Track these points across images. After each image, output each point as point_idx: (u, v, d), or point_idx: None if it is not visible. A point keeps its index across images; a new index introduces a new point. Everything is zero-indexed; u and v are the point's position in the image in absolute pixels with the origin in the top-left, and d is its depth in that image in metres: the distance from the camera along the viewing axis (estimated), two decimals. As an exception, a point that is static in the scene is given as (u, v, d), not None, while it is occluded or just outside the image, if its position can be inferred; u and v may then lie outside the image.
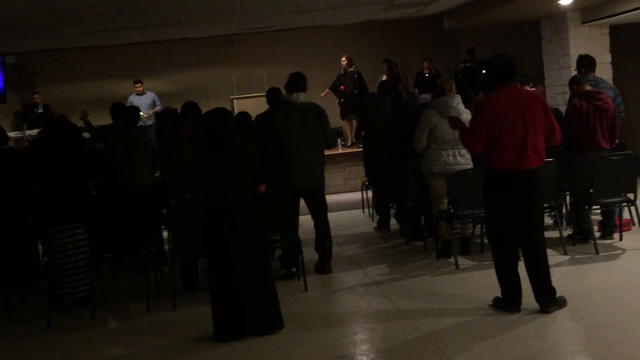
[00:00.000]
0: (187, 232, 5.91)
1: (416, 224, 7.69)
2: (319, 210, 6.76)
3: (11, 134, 12.75)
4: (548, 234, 6.42)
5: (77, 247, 6.04)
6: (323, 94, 12.70)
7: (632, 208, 6.76)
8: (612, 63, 11.06)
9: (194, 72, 14.87)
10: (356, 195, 10.76)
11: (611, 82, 10.01)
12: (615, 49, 11.28)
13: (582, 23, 11.01)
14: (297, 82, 6.64)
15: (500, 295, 5.12)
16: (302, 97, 6.57)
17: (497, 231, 5.09)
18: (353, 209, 10.37)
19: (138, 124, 12.11)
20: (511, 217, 4.93)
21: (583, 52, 10.28)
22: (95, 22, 10.05)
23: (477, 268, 6.44)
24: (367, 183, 9.59)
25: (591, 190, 6.58)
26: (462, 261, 6.61)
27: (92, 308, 5.89)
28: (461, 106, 6.75)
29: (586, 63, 7.50)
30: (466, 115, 6.70)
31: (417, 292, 5.86)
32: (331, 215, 9.39)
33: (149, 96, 13.27)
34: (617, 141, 7.16)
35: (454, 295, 5.65)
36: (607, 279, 5.75)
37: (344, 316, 5.42)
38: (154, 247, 6.73)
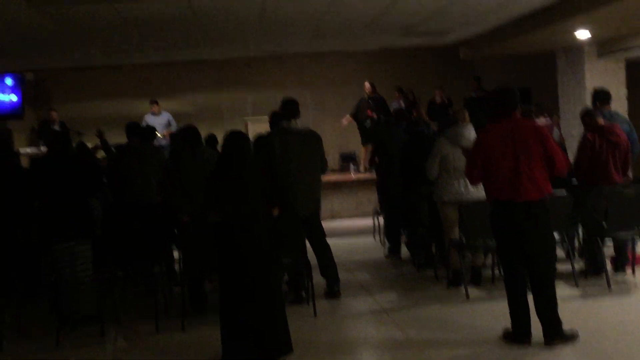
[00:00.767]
0: (199, 252, 5.91)
1: (427, 251, 7.67)
2: (318, 235, 6.76)
3: (27, 150, 12.93)
4: (560, 267, 6.39)
5: (80, 264, 6.02)
6: (345, 122, 12.73)
7: (646, 243, 6.72)
8: (627, 97, 11.06)
9: (210, 93, 15.00)
10: (368, 221, 10.73)
11: (626, 115, 10.02)
12: (631, 83, 11.28)
13: (599, 56, 11.04)
14: (291, 108, 6.68)
15: (510, 327, 5.08)
16: (298, 123, 6.66)
17: (505, 260, 5.17)
18: (364, 235, 10.35)
19: (153, 144, 12.28)
20: (514, 247, 4.98)
21: (599, 85, 10.31)
22: (116, 42, 10.19)
23: (487, 298, 6.40)
24: (378, 209, 9.58)
25: (604, 224, 6.55)
26: (473, 291, 6.57)
27: (101, 326, 5.89)
28: (473, 135, 6.75)
29: (601, 97, 7.49)
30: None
31: (427, 321, 5.82)
32: (342, 241, 9.47)
33: (165, 116, 13.35)
34: (630, 175, 7.14)
35: (463, 325, 5.61)
36: (619, 315, 5.69)
37: (353, 344, 5.39)
38: (165, 266, 6.74)
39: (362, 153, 13.07)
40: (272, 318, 4.97)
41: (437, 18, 9.74)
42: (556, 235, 5.90)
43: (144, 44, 10.59)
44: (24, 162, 13.06)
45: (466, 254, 6.82)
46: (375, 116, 11.95)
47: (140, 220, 6.31)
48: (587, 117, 7.02)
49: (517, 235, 4.95)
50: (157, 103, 13.30)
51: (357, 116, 12.67)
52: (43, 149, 12.34)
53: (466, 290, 6.47)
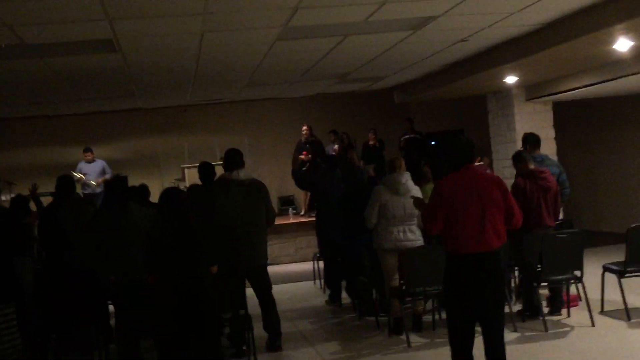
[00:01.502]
0: (133, 311, 5.76)
1: (368, 299, 7.69)
2: (264, 289, 6.67)
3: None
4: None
5: (6, 328, 5.78)
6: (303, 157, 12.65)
7: (579, 285, 6.89)
8: (555, 138, 11.44)
9: (146, 139, 14.82)
10: (307, 266, 10.73)
11: (556, 157, 10.36)
12: (559, 125, 11.69)
13: (527, 100, 11.42)
14: (234, 158, 6.54)
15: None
16: (242, 174, 6.50)
17: (458, 314, 4.88)
18: (304, 280, 10.31)
19: (85, 192, 11.96)
20: (471, 304, 4.77)
21: (528, 127, 10.68)
22: (47, 94, 10.00)
23: (429, 346, 6.45)
24: (318, 254, 9.58)
25: (539, 267, 6.71)
26: (414, 338, 6.60)
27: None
28: (410, 183, 6.87)
29: (531, 141, 7.73)
30: (415, 192, 6.82)
31: (370, 372, 5.82)
32: (282, 287, 9.40)
33: (99, 164, 13.10)
34: (560, 217, 7.34)
35: (406, 375, 5.62)
36: (556, 357, 5.81)
37: (296, 399, 5.32)
38: (101, 324, 6.55)
39: (302, 196, 13.10)
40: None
41: (370, 66, 9.92)
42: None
43: (76, 96, 10.43)
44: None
45: (407, 300, 6.87)
46: (307, 158, 12.01)
47: (74, 280, 6.11)
48: (518, 163, 7.20)
49: (479, 286, 4.73)
50: (91, 151, 13.05)
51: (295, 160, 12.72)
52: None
53: (407, 338, 6.50)
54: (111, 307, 7.12)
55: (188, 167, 13.12)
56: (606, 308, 7.11)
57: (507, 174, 11.43)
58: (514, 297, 7.53)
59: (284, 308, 8.08)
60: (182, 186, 11.10)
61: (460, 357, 4.91)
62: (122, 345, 6.01)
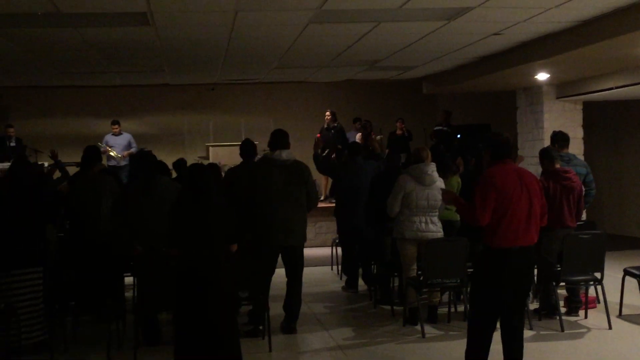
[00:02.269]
0: (154, 283, 5.82)
1: (385, 287, 7.69)
2: (296, 270, 6.73)
3: (-20, 166, 12.64)
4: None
5: (31, 292, 5.87)
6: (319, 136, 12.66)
7: (599, 287, 6.83)
8: (583, 138, 11.33)
9: (172, 115, 14.91)
10: (326, 251, 10.73)
11: (582, 157, 10.25)
12: (588, 125, 11.56)
13: (557, 98, 11.30)
14: (280, 139, 6.60)
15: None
16: (285, 154, 6.53)
17: (488, 306, 4.83)
18: (322, 265, 10.33)
19: (106, 164, 12.03)
20: (505, 298, 4.77)
21: (556, 125, 10.56)
22: (78, 64, 10.09)
23: (443, 338, 6.43)
24: (337, 240, 9.58)
25: (558, 267, 6.66)
26: (429, 329, 6.59)
27: (51, 355, 5.75)
28: (436, 174, 6.84)
29: (560, 139, 7.65)
30: (439, 184, 6.79)
31: (382, 359, 5.82)
32: (300, 271, 9.40)
33: (125, 137, 13.21)
34: (583, 218, 7.26)
35: (418, 365, 5.62)
36: (571, 357, 5.77)
37: (308, 381, 5.35)
38: (115, 295, 6.61)
39: (322, 181, 13.09)
40: (227, 355, 4.92)
41: (401, 55, 9.88)
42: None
43: (107, 68, 10.50)
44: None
45: (423, 291, 6.85)
46: (320, 142, 12.02)
47: (94, 252, 6.18)
48: (545, 159, 7.14)
49: (517, 280, 4.75)
50: (118, 124, 13.16)
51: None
52: (-1, 165, 12.10)
53: (422, 329, 6.50)
54: (130, 279, 7.26)
55: (212, 146, 13.18)
56: (624, 312, 7.05)
57: (532, 171, 11.34)
58: (531, 295, 7.48)
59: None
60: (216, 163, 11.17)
61: (478, 351, 4.91)
62: (141, 316, 6.07)
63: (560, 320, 6.61)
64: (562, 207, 6.84)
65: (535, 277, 7.50)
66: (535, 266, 7.23)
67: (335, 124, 12.66)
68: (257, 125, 13.91)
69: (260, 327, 6.47)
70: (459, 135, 14.10)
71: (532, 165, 11.45)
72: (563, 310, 6.99)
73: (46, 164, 8.71)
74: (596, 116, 12.30)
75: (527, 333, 6.41)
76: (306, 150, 13.38)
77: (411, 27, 7.77)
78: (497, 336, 4.88)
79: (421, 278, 6.62)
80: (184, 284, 4.90)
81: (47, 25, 7.12)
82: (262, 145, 8.74)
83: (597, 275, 6.80)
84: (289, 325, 6.66)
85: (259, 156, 7.84)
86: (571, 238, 6.70)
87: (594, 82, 10.28)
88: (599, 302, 7.17)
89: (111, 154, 12.75)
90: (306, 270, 9.71)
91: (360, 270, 8.58)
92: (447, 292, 7.23)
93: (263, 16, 7.01)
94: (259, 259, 6.28)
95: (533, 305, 7.17)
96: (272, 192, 6.43)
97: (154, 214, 5.95)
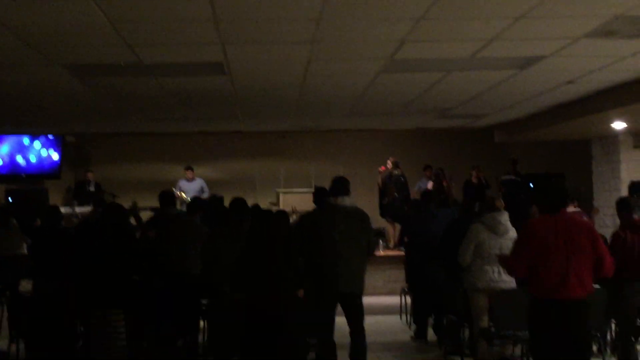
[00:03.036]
0: (226, 327, 5.89)
1: (456, 338, 7.54)
2: (357, 317, 6.66)
3: (61, 209, 13.12)
4: (592, 363, 6.23)
5: (112, 334, 6.03)
6: (383, 169, 12.73)
7: (681, 344, 6.54)
8: (662, 189, 10.96)
9: (243, 162, 15.17)
10: (394, 300, 10.61)
11: (661, 208, 9.90)
12: (667, 175, 11.20)
13: (634, 147, 11.01)
14: (341, 185, 6.66)
15: None
16: (347, 200, 6.61)
17: (541, 357, 4.92)
18: (391, 314, 10.21)
19: (180, 209, 12.33)
20: (553, 345, 4.74)
21: (634, 175, 10.28)
22: (156, 112, 10.45)
23: (515, 392, 6.26)
24: (406, 289, 9.49)
25: (639, 322, 6.41)
26: (500, 383, 6.42)
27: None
28: (509, 223, 6.73)
29: (638, 189, 7.46)
30: (512, 234, 6.68)
31: (453, 412, 5.70)
32: (368, 319, 9.24)
33: (198, 182, 13.52)
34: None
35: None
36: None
37: None
38: (189, 338, 6.71)
39: (390, 229, 13.05)
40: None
41: (472, 103, 9.85)
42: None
43: (183, 115, 10.85)
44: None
45: (495, 343, 6.69)
46: (391, 196, 12.04)
47: (172, 292, 6.32)
48: (622, 210, 6.95)
49: (557, 334, 4.73)
50: (192, 169, 13.51)
51: (384, 188, 12.71)
52: (77, 209, 12.55)
53: (494, 382, 6.33)
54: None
55: (283, 192, 13.32)
56: None
57: (608, 222, 11.02)
58: (609, 351, 7.21)
59: (369, 340, 7.94)
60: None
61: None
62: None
63: (641, 378, 6.34)
64: (640, 259, 6.62)
65: (614, 332, 7.26)
66: (614, 320, 7.06)
67: (397, 172, 12.65)
68: (326, 172, 13.95)
69: (328, 376, 6.42)
70: (531, 184, 13.87)
71: (608, 217, 11.14)
72: (643, 367, 6.70)
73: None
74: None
75: (605, 390, 6.20)
76: (373, 197, 13.43)
77: (482, 75, 7.76)
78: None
79: (493, 329, 6.48)
80: (251, 327, 4.95)
81: (129, 75, 7.43)
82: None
83: (680, 331, 6.51)
84: (358, 374, 6.59)
85: None
86: (652, 292, 6.45)
87: (674, 131, 10.01)
88: (682, 360, 6.84)
89: (184, 198, 13.05)
90: (375, 319, 9.66)
91: (431, 320, 8.46)
92: (520, 345, 7.03)
93: (335, 65, 7.14)
94: (321, 305, 6.25)
95: (611, 361, 6.91)
96: (334, 237, 6.46)
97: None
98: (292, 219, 9.26)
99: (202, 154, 14.80)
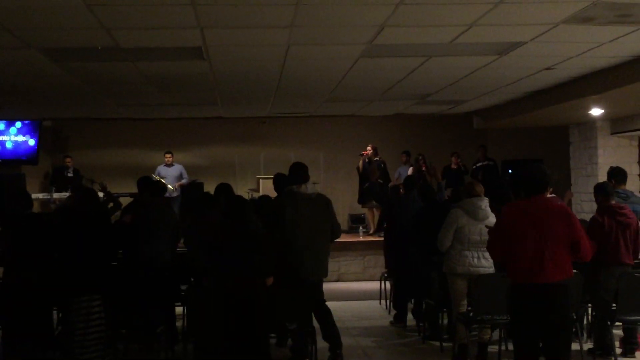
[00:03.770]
0: (205, 314, 5.87)
1: (434, 323, 7.60)
2: (319, 301, 6.69)
3: (39, 195, 13.00)
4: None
5: (92, 320, 6.00)
6: (365, 153, 12.71)
7: (656, 327, 6.63)
8: (639, 175, 11.09)
9: (224, 148, 15.12)
10: (374, 285, 10.67)
11: (639, 194, 10.01)
12: (643, 160, 11.33)
13: (612, 133, 11.11)
14: (302, 172, 6.64)
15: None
16: (309, 187, 6.62)
17: (520, 342, 4.91)
18: (370, 299, 10.26)
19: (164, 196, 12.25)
20: (532, 329, 4.79)
21: (611, 161, 10.38)
22: (135, 97, 10.35)
23: (493, 376, 6.31)
24: (386, 274, 9.53)
25: (614, 306, 6.49)
26: (479, 367, 6.48)
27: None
28: (489, 209, 6.77)
29: (617, 175, 7.51)
30: (492, 219, 6.72)
31: (431, 396, 5.75)
32: (348, 305, 9.40)
33: (177, 168, 13.47)
34: (640, 256, 7.09)
35: (468, 403, 5.52)
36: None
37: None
38: (167, 324, 6.69)
39: (369, 215, 13.09)
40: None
41: (452, 89, 9.87)
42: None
43: (162, 101, 10.76)
44: (35, 207, 13.18)
45: (473, 328, 6.75)
46: (373, 180, 12.05)
47: (148, 279, 6.29)
48: (600, 195, 7.02)
49: (536, 317, 4.74)
50: (171, 154, 13.43)
51: (364, 173, 12.71)
52: (55, 195, 12.45)
53: (472, 366, 6.39)
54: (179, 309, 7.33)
55: (263, 178, 13.29)
56: (684, 354, 6.81)
57: (585, 208, 11.14)
58: (585, 335, 7.30)
59: (348, 325, 8.08)
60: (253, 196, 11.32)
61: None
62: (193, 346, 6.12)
63: (616, 361, 6.43)
64: (618, 243, 6.70)
65: (590, 316, 7.35)
66: (590, 304, 7.14)
67: (377, 158, 12.68)
68: (307, 158, 13.88)
69: (307, 361, 6.45)
70: (510, 171, 13.97)
71: (585, 202, 11.25)
72: (619, 351, 6.78)
73: (101, 194, 8.91)
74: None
75: (581, 373, 6.28)
76: (355, 182, 13.45)
77: (462, 61, 7.77)
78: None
79: (471, 314, 6.53)
80: (217, 315, 4.95)
81: (106, 59, 7.34)
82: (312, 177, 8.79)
83: (655, 315, 6.60)
84: (335, 354, 6.61)
85: None
86: (627, 276, 6.52)
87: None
88: (656, 344, 6.95)
89: (163, 185, 12.96)
90: (354, 304, 9.73)
91: (410, 305, 8.51)
92: (498, 330, 7.10)
93: (315, 50, 7.11)
94: (297, 290, 6.25)
95: (587, 345, 6.99)
96: (299, 225, 6.45)
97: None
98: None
99: (182, 140, 14.72)
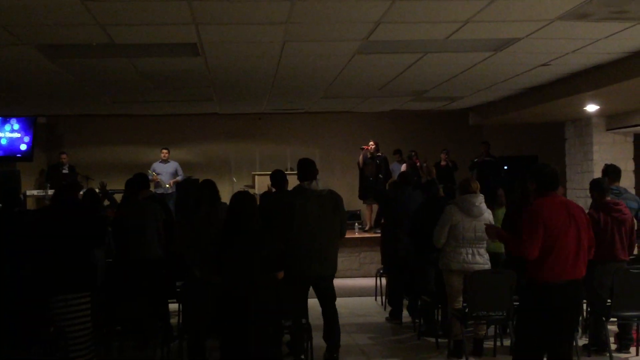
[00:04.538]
0: (199, 309, 5.87)
1: (430, 318, 7.61)
2: (330, 299, 6.68)
3: (34, 192, 13.00)
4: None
5: (80, 317, 5.95)
6: (367, 147, 12.68)
7: (651, 323, 6.64)
8: (634, 171, 11.10)
9: (219, 144, 15.10)
10: (369, 281, 10.67)
11: (633, 191, 10.04)
12: (638, 156, 11.34)
13: (607, 130, 11.13)
14: (311, 169, 6.62)
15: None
16: (319, 184, 6.58)
17: (530, 350, 4.80)
18: (366, 296, 10.27)
19: (154, 192, 12.24)
20: (550, 335, 4.70)
21: (606, 158, 10.40)
22: (130, 94, 10.33)
23: (488, 372, 6.33)
24: (382, 271, 9.54)
25: (609, 302, 6.50)
26: (474, 363, 6.49)
27: (97, 380, 5.83)
28: (484, 206, 6.78)
29: (611, 172, 7.54)
30: (487, 216, 6.73)
31: (426, 392, 5.76)
32: (343, 301, 9.35)
33: (173, 165, 13.44)
34: (635, 252, 7.11)
35: (463, 399, 5.53)
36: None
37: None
38: (162, 321, 6.68)
39: (366, 211, 13.09)
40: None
41: (447, 85, 9.87)
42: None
43: (157, 97, 10.74)
44: (30, 204, 13.16)
45: (468, 324, 6.76)
46: (373, 176, 12.04)
47: (141, 276, 6.27)
48: (595, 192, 7.03)
49: (564, 314, 4.69)
50: (167, 150, 13.40)
51: (363, 169, 12.71)
52: (50, 192, 12.42)
53: (467, 362, 6.40)
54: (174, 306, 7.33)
55: (258, 175, 13.28)
56: (678, 350, 6.83)
57: (581, 204, 11.13)
58: (580, 331, 7.31)
59: (344, 322, 8.02)
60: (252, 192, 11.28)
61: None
62: (190, 342, 6.10)
63: (611, 357, 6.44)
64: (613, 239, 6.72)
65: (585, 312, 7.36)
66: (586, 300, 7.15)
67: (379, 154, 12.69)
68: (302, 154, 13.86)
69: (302, 357, 6.44)
70: (506, 167, 13.99)
71: (581, 198, 11.27)
72: (614, 347, 6.79)
73: (97, 190, 8.90)
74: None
75: (576, 369, 6.28)
76: (352, 179, 13.45)
77: (458, 58, 7.77)
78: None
79: (466, 310, 6.54)
80: (226, 310, 4.93)
81: (102, 55, 7.32)
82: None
83: (650, 311, 6.61)
84: (332, 355, 6.62)
85: None
86: (622, 272, 6.53)
87: (646, 114, 10.11)
88: (651, 340, 6.96)
89: (159, 181, 12.96)
90: (350, 301, 9.72)
91: (406, 302, 8.52)
92: (493, 326, 7.11)
93: (310, 47, 7.09)
94: (295, 288, 6.24)
95: (582, 341, 7.00)
96: (309, 221, 6.44)
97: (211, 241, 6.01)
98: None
99: (177, 136, 14.69)
